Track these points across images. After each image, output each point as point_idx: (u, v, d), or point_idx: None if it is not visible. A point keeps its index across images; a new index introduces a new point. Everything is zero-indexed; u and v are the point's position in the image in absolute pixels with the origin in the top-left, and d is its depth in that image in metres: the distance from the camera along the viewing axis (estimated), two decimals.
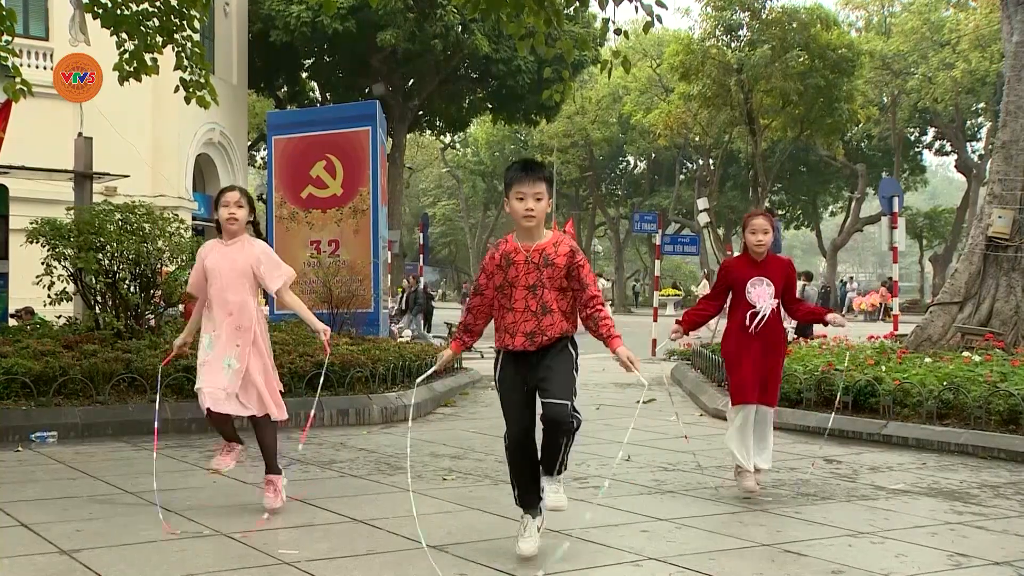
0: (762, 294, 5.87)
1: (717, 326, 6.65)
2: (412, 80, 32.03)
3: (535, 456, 4.51)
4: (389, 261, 21.51)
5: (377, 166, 15.12)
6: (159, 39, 11.09)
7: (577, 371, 4.46)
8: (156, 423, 6.00)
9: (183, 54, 11.31)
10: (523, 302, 4.40)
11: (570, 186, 55.05)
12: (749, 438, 5.95)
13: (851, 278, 53.46)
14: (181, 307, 15.31)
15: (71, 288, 10.45)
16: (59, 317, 11.15)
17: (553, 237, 4.46)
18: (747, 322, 5.85)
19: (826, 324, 6.07)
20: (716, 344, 13.98)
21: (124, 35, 11.01)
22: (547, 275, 4.38)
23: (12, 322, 13.46)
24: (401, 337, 17.02)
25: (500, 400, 4.55)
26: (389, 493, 6.06)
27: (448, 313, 33.95)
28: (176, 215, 11.52)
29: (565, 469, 4.54)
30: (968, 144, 46.89)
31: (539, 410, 4.49)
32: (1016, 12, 11.61)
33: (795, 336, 16.18)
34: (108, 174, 16.08)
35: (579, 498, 5.90)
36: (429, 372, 5.05)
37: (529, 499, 4.55)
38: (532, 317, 4.39)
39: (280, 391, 5.59)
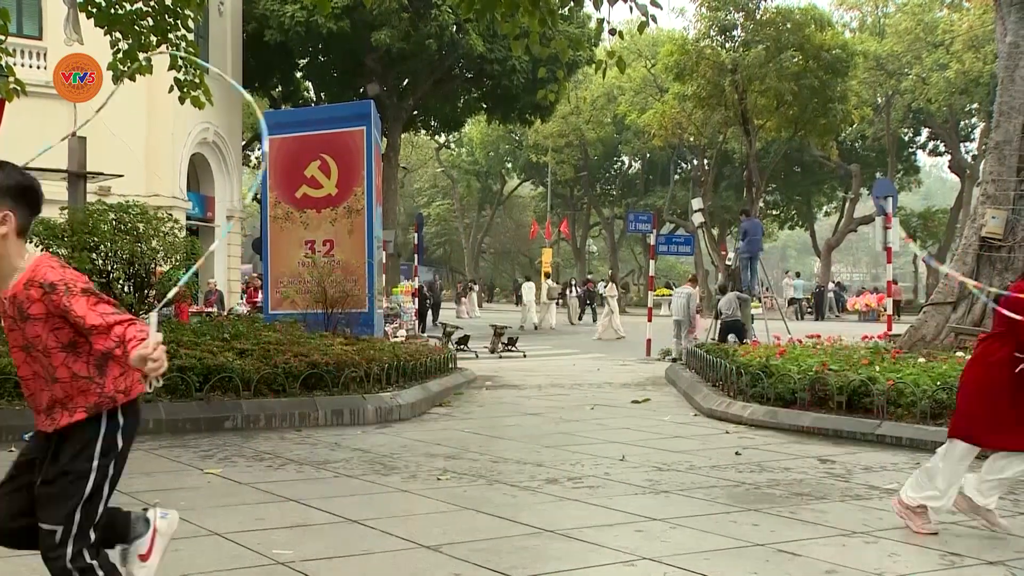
0: None
1: (712, 327, 6.60)
2: (407, 80, 32.02)
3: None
4: (384, 261, 21.51)
5: (372, 166, 15.13)
6: (153, 38, 11.08)
7: (99, 473, 3.05)
8: None
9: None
10: (27, 368, 3.11)
11: (565, 186, 55.12)
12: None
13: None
14: (173, 307, 15.32)
15: None
16: None
17: (27, 272, 3.00)
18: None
19: None
20: (710, 344, 14.06)
21: (118, 34, 11.01)
22: (32, 333, 3.02)
23: None
24: (395, 337, 17.01)
25: None
26: (383, 493, 6.06)
27: (444, 313, 33.96)
28: (170, 215, 11.50)
29: None
30: (962, 145, 47.03)
31: None
32: (1010, 13, 11.66)
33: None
34: (102, 174, 16.04)
35: (574, 497, 5.91)
36: None
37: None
38: (44, 386, 3.09)
39: None
